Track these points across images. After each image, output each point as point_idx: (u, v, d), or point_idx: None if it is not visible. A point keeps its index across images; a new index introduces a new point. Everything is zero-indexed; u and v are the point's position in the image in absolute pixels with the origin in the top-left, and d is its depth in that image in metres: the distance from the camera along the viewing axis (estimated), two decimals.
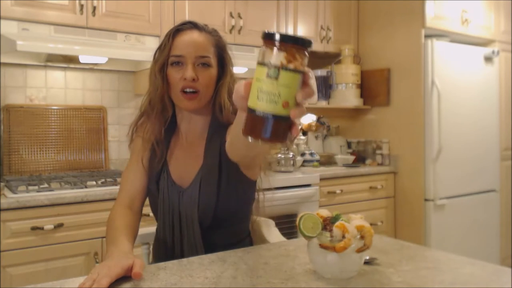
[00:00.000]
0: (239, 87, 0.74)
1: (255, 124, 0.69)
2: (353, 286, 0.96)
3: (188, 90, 1.25)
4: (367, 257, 1.08)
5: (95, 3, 2.36)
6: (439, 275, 1.04)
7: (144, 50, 2.48)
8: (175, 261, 1.12)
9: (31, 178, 2.34)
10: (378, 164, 3.39)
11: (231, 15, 2.85)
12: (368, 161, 3.45)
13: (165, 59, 1.26)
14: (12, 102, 2.48)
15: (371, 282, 0.98)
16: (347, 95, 3.44)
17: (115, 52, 2.39)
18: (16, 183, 2.13)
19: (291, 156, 2.96)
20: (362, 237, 0.98)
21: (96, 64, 2.64)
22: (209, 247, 1.25)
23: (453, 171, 3.26)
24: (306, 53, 0.68)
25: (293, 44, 0.67)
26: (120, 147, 2.78)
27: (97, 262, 2.07)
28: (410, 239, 2.77)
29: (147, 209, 1.39)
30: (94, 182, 2.20)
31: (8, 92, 2.49)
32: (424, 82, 3.15)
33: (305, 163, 3.26)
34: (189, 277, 1.00)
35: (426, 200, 3.17)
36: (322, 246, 0.97)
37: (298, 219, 1.01)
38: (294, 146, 3.30)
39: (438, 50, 3.16)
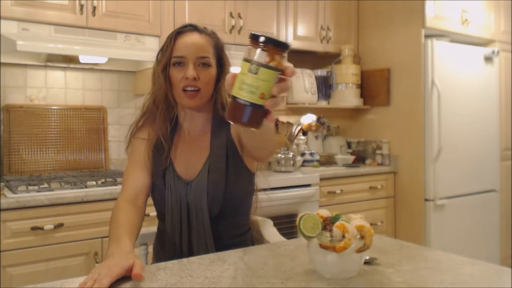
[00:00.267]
0: (228, 78, 0.86)
1: (236, 109, 0.82)
2: (353, 286, 0.96)
3: (189, 88, 1.31)
4: (367, 257, 1.08)
5: (95, 3, 2.36)
6: (439, 275, 1.04)
7: (144, 50, 2.48)
8: (175, 261, 1.13)
9: (31, 178, 2.34)
10: (378, 164, 3.39)
11: (231, 15, 2.85)
12: (368, 161, 3.45)
13: (167, 60, 1.33)
14: (12, 102, 2.48)
15: (371, 282, 0.98)
16: (347, 95, 3.44)
17: (115, 52, 2.39)
18: (16, 183, 2.13)
19: (291, 156, 2.97)
20: (362, 237, 0.98)
21: (96, 64, 2.64)
22: (216, 238, 1.31)
23: (453, 171, 3.26)
24: (284, 54, 0.80)
25: (273, 46, 0.79)
26: (120, 147, 2.78)
27: (97, 262, 2.07)
28: (410, 239, 2.78)
29: (147, 209, 1.39)
30: (94, 182, 2.20)
31: (8, 92, 2.49)
32: (424, 82, 3.15)
33: (305, 163, 3.26)
34: (189, 277, 1.00)
35: (426, 200, 3.17)
36: (322, 246, 0.97)
37: (298, 219, 1.01)
38: (294, 146, 3.31)
39: (438, 50, 3.16)
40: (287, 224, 2.59)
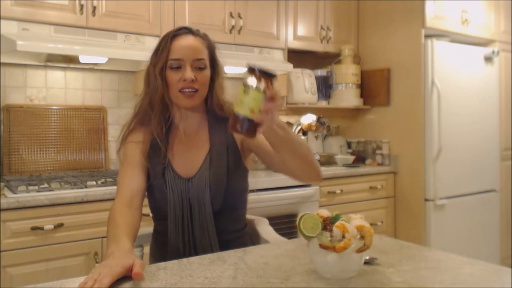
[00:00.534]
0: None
1: (235, 122, 1.04)
2: (353, 286, 0.96)
3: (187, 90, 1.35)
4: (367, 257, 1.08)
5: (95, 3, 2.36)
6: (439, 275, 1.04)
7: (144, 50, 2.48)
8: (175, 261, 1.13)
9: (31, 178, 2.34)
10: (378, 164, 3.39)
11: (231, 15, 2.85)
12: (368, 161, 3.45)
13: (164, 62, 1.35)
14: (12, 102, 2.48)
15: (371, 282, 0.98)
16: (347, 95, 3.44)
17: (115, 52, 2.39)
18: (16, 183, 2.13)
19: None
20: (362, 237, 0.98)
21: (96, 64, 2.64)
22: (217, 234, 1.34)
23: (453, 171, 3.26)
24: (272, 80, 1.03)
25: (260, 74, 1.02)
26: None
27: (97, 262, 2.07)
28: (410, 239, 2.77)
29: (145, 209, 1.39)
30: (94, 182, 2.20)
31: (8, 92, 2.49)
32: (424, 82, 3.15)
33: None
34: (189, 277, 1.00)
35: (426, 200, 3.17)
36: (322, 246, 0.97)
37: (298, 219, 1.01)
38: None
39: (438, 50, 3.16)
40: (287, 224, 2.60)
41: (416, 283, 0.96)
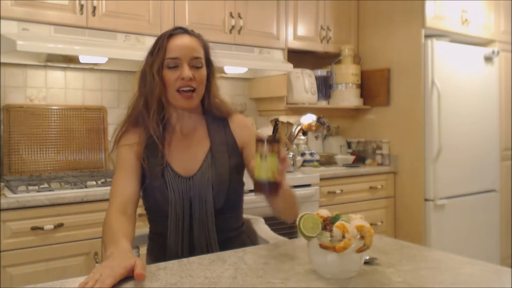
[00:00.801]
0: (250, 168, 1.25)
1: (259, 186, 1.17)
2: (353, 286, 0.96)
3: (185, 89, 1.35)
4: (367, 257, 1.08)
5: (95, 3, 2.36)
6: (439, 275, 1.04)
7: (144, 50, 2.43)
8: (175, 261, 1.13)
9: (31, 178, 2.34)
10: (378, 164, 3.39)
11: (231, 15, 2.85)
12: (368, 161, 3.45)
13: (161, 62, 1.36)
14: (12, 102, 2.48)
15: (371, 282, 0.98)
16: (347, 95, 3.44)
17: (115, 52, 2.39)
18: (16, 183, 2.13)
19: (291, 156, 2.97)
20: (362, 237, 0.98)
21: (96, 64, 2.64)
22: (217, 231, 1.35)
23: (453, 171, 3.26)
24: (279, 143, 1.15)
25: (270, 143, 1.14)
26: None
27: (97, 262, 2.07)
28: (410, 239, 2.77)
29: (140, 209, 1.39)
30: (94, 182, 2.20)
31: (8, 92, 2.49)
32: (424, 82, 3.15)
33: (305, 163, 3.26)
34: (189, 277, 1.00)
35: (426, 200, 3.17)
36: (322, 246, 0.97)
37: (298, 219, 1.01)
38: (294, 146, 3.31)
39: (438, 50, 3.16)
40: (287, 224, 2.59)
41: (416, 283, 0.96)
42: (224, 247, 1.31)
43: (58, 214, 2.02)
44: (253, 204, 1.84)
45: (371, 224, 1.01)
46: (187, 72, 1.33)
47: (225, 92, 2.99)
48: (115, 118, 2.78)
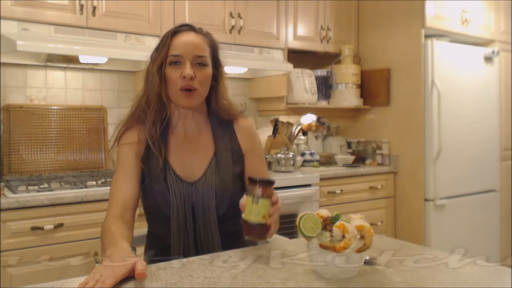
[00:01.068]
0: (241, 203, 1.18)
1: (248, 228, 1.15)
2: (353, 286, 0.96)
3: (185, 88, 1.31)
4: (367, 257, 1.08)
5: (95, 3, 2.36)
6: (439, 275, 1.04)
7: (144, 50, 2.48)
8: (175, 261, 1.12)
9: (31, 178, 2.34)
10: (378, 164, 3.39)
11: (231, 15, 2.85)
12: (368, 161, 3.45)
13: (163, 58, 1.32)
14: (12, 102, 2.48)
15: (371, 282, 0.98)
16: (347, 95, 3.44)
17: (115, 52, 2.39)
18: (16, 183, 2.13)
19: (291, 156, 2.96)
20: (362, 237, 0.98)
21: (96, 64, 2.64)
22: (220, 236, 1.33)
23: (453, 171, 3.26)
24: (272, 186, 1.15)
25: (263, 185, 1.13)
26: None
27: (97, 262, 2.07)
28: (410, 239, 2.77)
29: (137, 211, 1.38)
30: (94, 182, 2.20)
31: (8, 92, 2.49)
32: (424, 82, 3.15)
33: (305, 163, 3.26)
34: (189, 277, 1.00)
35: (426, 200, 3.17)
36: (322, 246, 0.97)
37: (298, 219, 1.01)
38: (294, 146, 3.31)
39: (438, 50, 3.16)
40: (287, 224, 2.59)
41: (416, 283, 0.96)
42: (227, 249, 1.30)
43: (58, 214, 2.02)
44: None
45: (371, 224, 1.01)
46: (188, 70, 1.29)
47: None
48: (115, 118, 2.78)
